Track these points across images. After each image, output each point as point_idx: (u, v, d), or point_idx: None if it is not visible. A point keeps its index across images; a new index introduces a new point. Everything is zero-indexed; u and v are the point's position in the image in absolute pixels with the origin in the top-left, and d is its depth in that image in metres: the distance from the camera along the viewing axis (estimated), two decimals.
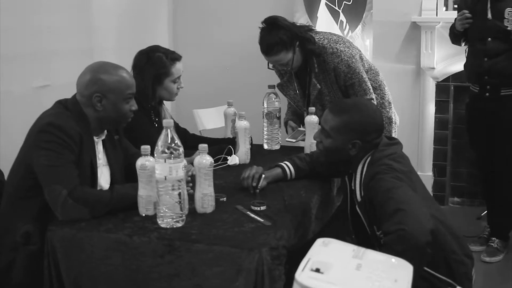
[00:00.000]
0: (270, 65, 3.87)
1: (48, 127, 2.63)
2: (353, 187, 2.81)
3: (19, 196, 2.70)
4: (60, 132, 2.61)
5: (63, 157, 2.60)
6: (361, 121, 2.74)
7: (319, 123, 2.93)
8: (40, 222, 2.63)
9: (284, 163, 3.22)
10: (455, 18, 4.52)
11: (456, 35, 4.59)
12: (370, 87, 3.85)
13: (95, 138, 2.83)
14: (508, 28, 4.24)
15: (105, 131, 2.91)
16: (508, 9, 4.23)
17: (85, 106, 2.77)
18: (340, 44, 3.82)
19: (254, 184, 2.99)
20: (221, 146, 3.53)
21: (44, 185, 2.60)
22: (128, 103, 2.83)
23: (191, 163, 2.77)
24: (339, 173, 3.18)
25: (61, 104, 2.80)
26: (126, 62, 3.36)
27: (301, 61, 3.83)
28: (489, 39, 4.37)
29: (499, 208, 4.74)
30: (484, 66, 4.39)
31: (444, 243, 2.65)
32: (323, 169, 3.22)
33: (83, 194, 2.58)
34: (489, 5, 4.34)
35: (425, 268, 2.54)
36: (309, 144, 3.65)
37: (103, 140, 2.90)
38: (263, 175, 3.04)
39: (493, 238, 4.73)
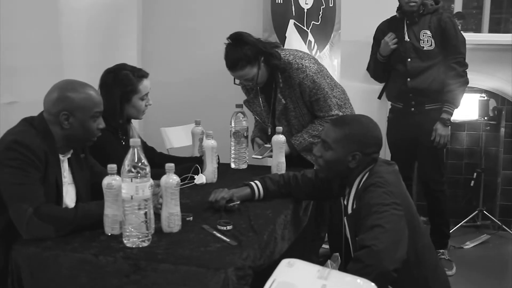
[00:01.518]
0: (237, 81, 3.90)
1: (14, 144, 2.61)
2: (345, 203, 2.86)
3: None
4: (26, 150, 2.59)
5: (29, 175, 2.59)
6: (361, 132, 2.81)
7: (321, 138, 2.94)
8: (3, 241, 2.60)
9: (254, 182, 3.23)
10: (373, 54, 4.97)
11: (378, 64, 4.92)
12: (335, 104, 3.90)
13: (60, 156, 2.82)
14: (425, 48, 4.70)
15: (71, 149, 2.90)
16: (422, 31, 4.71)
17: (51, 124, 2.76)
18: (305, 60, 3.87)
19: (230, 204, 3.00)
20: (188, 165, 3.52)
21: (9, 203, 2.58)
22: (95, 121, 2.83)
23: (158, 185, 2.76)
24: (322, 196, 3.23)
25: (27, 122, 2.79)
26: (95, 79, 3.37)
27: (266, 77, 3.87)
28: (409, 59, 4.74)
29: (436, 217, 4.97)
30: (408, 86, 4.75)
31: (420, 268, 2.70)
32: (301, 195, 3.27)
33: (48, 212, 2.56)
34: (405, 29, 4.75)
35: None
36: (276, 163, 3.67)
37: (68, 159, 2.89)
38: (235, 198, 3.06)
39: (440, 251, 4.88)
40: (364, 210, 2.61)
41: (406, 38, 4.74)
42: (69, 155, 2.89)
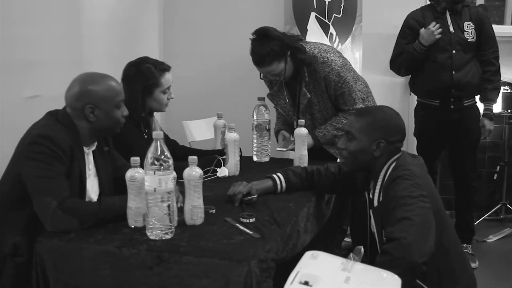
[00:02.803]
0: (262, 76, 3.89)
1: (39, 138, 2.62)
2: (371, 196, 2.84)
3: (8, 207, 2.70)
4: (51, 144, 2.61)
5: (54, 168, 2.60)
6: (385, 120, 2.80)
7: (344, 130, 2.93)
8: (28, 234, 2.62)
9: (276, 175, 3.23)
10: (406, 43, 4.79)
11: (415, 55, 4.71)
12: (359, 97, 3.87)
13: (85, 149, 2.84)
14: (469, 40, 4.61)
15: (96, 142, 2.92)
16: (466, 22, 4.63)
17: (76, 118, 2.78)
18: (330, 54, 3.85)
19: (247, 198, 3.00)
20: (210, 158, 3.53)
21: (33, 196, 2.59)
22: (119, 109, 2.86)
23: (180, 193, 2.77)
24: (345, 191, 3.22)
25: (52, 116, 2.80)
26: (116, 72, 3.36)
27: (292, 71, 3.84)
28: (454, 51, 4.61)
29: (466, 213, 4.95)
30: (453, 79, 4.61)
31: (446, 262, 2.67)
32: (323, 189, 3.27)
33: (72, 205, 2.58)
34: (449, 20, 4.62)
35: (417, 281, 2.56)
36: (299, 156, 3.66)
37: (93, 151, 2.91)
38: (254, 191, 3.06)
39: (463, 245, 4.85)
40: (391, 203, 2.59)
41: (451, 29, 4.63)
42: (93, 148, 2.91)
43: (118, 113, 2.85)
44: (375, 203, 2.78)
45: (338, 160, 3.81)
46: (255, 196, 3.03)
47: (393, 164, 2.77)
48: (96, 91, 2.77)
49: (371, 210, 2.84)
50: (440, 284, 2.65)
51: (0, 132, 3.65)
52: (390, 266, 2.25)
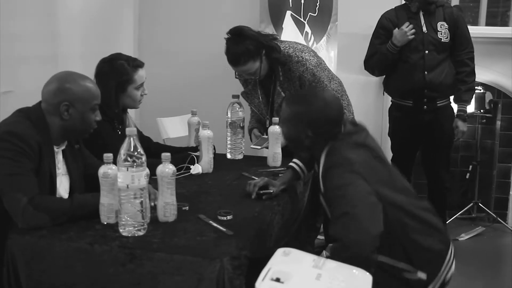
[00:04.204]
0: (237, 75, 3.89)
1: (6, 135, 2.61)
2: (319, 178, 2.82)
3: None
4: (18, 140, 2.60)
5: (22, 165, 2.59)
6: (309, 113, 2.73)
7: None
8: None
9: (293, 162, 3.23)
10: (380, 44, 4.79)
11: (388, 55, 4.71)
12: None
13: (55, 148, 2.83)
14: (442, 40, 4.63)
15: (66, 141, 2.91)
16: (439, 22, 4.64)
17: (50, 114, 2.77)
18: (305, 53, 3.86)
19: (261, 192, 3.04)
20: (184, 155, 3.53)
21: (2, 193, 2.58)
22: (94, 113, 2.85)
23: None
24: None
25: (22, 113, 2.79)
26: (91, 69, 3.37)
27: (267, 70, 3.85)
28: (426, 51, 4.63)
29: (439, 213, 4.90)
30: (425, 79, 4.62)
31: (405, 234, 2.64)
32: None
33: (43, 201, 2.57)
34: (422, 20, 4.65)
35: (383, 260, 2.57)
36: (272, 154, 3.68)
37: (63, 150, 2.90)
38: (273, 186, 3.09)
39: None
40: (329, 193, 2.60)
41: (424, 29, 4.64)
42: (63, 147, 2.90)
43: (92, 117, 2.84)
44: (322, 189, 2.75)
45: None
46: (271, 190, 3.04)
47: (325, 151, 2.73)
48: (74, 90, 2.77)
49: (321, 195, 2.81)
50: (407, 254, 2.64)
51: None
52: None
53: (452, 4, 5.53)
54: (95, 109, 2.86)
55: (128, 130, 2.42)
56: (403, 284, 2.62)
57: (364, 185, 2.53)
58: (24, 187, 2.57)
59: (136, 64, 3.51)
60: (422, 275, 2.61)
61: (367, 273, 2.15)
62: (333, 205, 2.53)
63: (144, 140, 3.70)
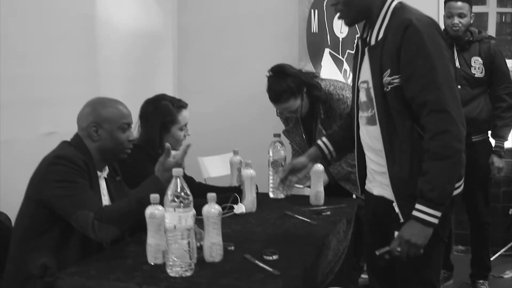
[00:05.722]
0: (278, 112, 3.91)
1: (56, 159, 2.75)
2: (367, 38, 2.74)
3: (32, 234, 2.76)
4: (68, 162, 2.73)
5: (78, 184, 2.72)
6: None
7: None
8: (57, 254, 2.71)
9: (320, 140, 3.16)
10: None
11: None
12: None
13: (98, 173, 2.94)
14: (476, 75, 4.62)
15: (107, 168, 3.03)
16: (474, 57, 4.64)
17: (85, 138, 2.92)
18: (346, 91, 3.87)
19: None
20: (227, 195, 3.53)
21: (69, 215, 2.67)
22: (124, 132, 2.97)
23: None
24: None
25: (65, 143, 2.94)
26: (132, 109, 3.39)
27: (308, 107, 3.86)
28: (459, 86, 4.57)
29: (481, 249, 4.93)
30: None
31: None
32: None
33: (108, 213, 2.67)
34: (456, 55, 4.65)
35: None
36: (315, 193, 3.67)
37: (105, 179, 3.01)
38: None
39: (480, 281, 4.88)
40: (405, 49, 2.52)
41: (457, 65, 4.64)
42: (105, 174, 3.01)
43: (122, 136, 2.96)
44: (372, 42, 2.68)
45: (354, 195, 3.82)
46: (301, 186, 3.05)
47: (394, 3, 2.67)
48: (101, 112, 2.93)
49: (366, 48, 2.73)
50: None
51: (17, 168, 3.66)
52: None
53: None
54: (125, 128, 2.97)
55: (175, 171, 2.43)
56: None
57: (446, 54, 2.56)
58: (88, 203, 2.67)
59: (180, 105, 3.55)
60: None
61: None
62: (411, 64, 2.52)
63: (187, 180, 3.69)
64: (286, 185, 3.06)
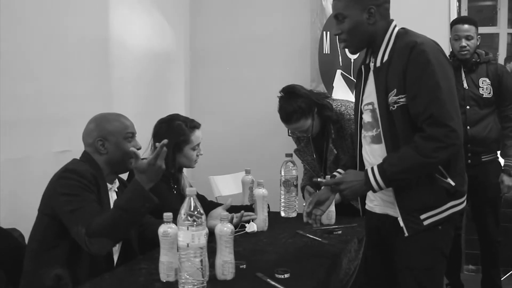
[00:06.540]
0: (290, 132, 3.93)
1: (65, 173, 2.84)
2: (371, 62, 2.81)
3: (45, 248, 2.82)
4: (76, 175, 2.81)
5: (81, 198, 2.77)
6: None
7: (332, 16, 2.87)
8: (70, 264, 2.76)
9: (337, 172, 3.17)
10: None
11: None
12: None
13: (108, 185, 3.02)
14: (484, 96, 4.65)
15: (117, 181, 3.12)
16: (481, 78, 4.67)
17: (93, 153, 3.00)
18: None
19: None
20: (239, 214, 3.55)
21: (69, 230, 2.75)
22: (130, 142, 3.05)
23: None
24: None
25: (74, 159, 3.02)
26: (144, 128, 3.44)
27: (319, 127, 3.89)
28: (468, 107, 4.65)
29: (491, 268, 4.92)
30: (467, 134, 4.59)
31: None
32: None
33: (94, 227, 2.68)
34: (463, 76, 4.69)
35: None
36: (326, 212, 3.66)
37: (116, 192, 3.07)
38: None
39: None
40: (411, 67, 2.60)
41: (465, 86, 4.68)
42: (116, 187, 3.09)
43: (129, 146, 3.01)
44: (378, 64, 2.74)
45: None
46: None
47: (396, 28, 2.76)
48: (105, 126, 3.02)
49: (371, 70, 2.80)
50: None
51: (30, 186, 3.69)
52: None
53: (500, 58, 5.54)
54: (130, 138, 3.06)
55: (188, 190, 2.45)
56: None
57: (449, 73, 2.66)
58: (83, 218, 2.71)
59: (193, 125, 3.58)
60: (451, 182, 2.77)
61: None
62: (417, 77, 2.59)
63: (199, 198, 3.72)
64: (312, 219, 3.07)
